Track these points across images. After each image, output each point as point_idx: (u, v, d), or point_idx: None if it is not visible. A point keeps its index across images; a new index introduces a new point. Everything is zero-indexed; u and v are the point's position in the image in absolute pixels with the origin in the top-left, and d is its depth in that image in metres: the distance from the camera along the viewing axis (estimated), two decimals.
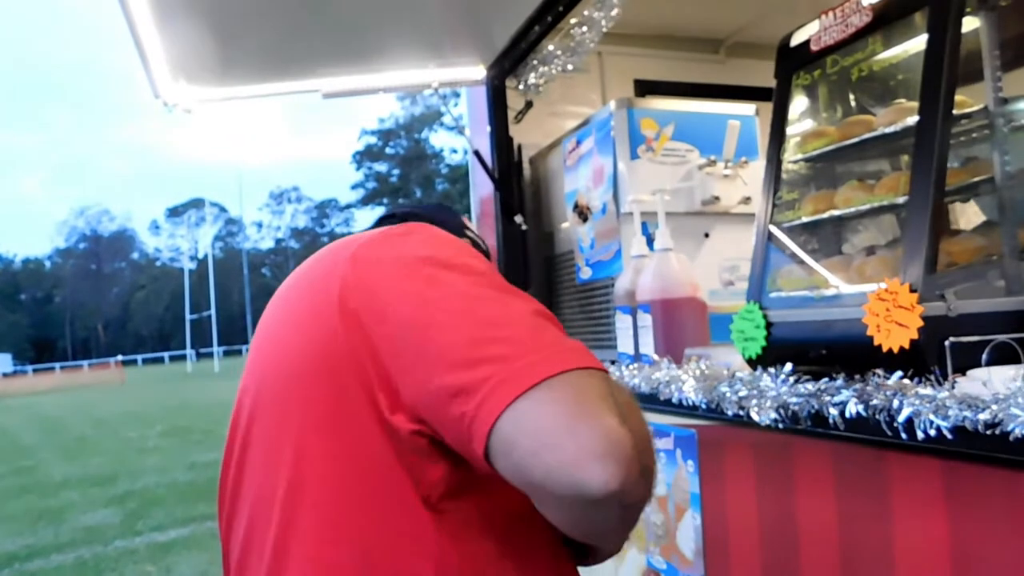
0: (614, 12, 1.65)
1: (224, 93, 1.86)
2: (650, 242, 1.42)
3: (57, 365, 38.48)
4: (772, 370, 0.90)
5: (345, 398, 0.50)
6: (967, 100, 0.78)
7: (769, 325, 0.97)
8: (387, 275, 0.52)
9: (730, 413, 0.95)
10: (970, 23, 0.76)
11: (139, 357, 43.73)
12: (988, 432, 0.62)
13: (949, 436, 0.66)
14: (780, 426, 0.88)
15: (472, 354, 0.46)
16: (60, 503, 5.35)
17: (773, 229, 1.02)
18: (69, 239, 58.34)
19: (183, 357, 37.69)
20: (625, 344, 1.41)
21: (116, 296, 55.71)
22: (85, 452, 7.91)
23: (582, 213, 1.76)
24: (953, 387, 0.68)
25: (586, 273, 1.74)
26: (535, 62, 1.93)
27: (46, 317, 53.89)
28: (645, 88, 2.24)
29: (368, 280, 0.53)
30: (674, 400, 1.09)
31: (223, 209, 58.78)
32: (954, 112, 0.75)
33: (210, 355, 35.56)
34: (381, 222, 0.74)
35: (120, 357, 34.88)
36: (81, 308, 54.48)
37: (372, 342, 0.50)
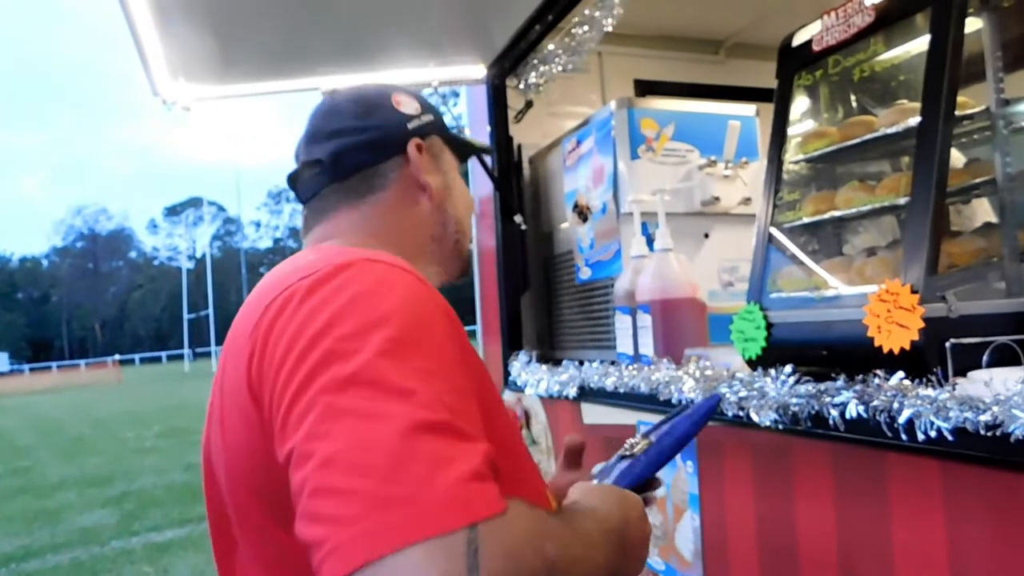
0: (615, 12, 1.65)
1: (223, 91, 1.86)
2: (650, 242, 1.42)
3: (54, 364, 38.09)
4: (772, 371, 0.90)
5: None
6: (969, 101, 0.78)
7: (769, 326, 0.97)
8: (279, 362, 0.46)
9: (730, 414, 0.95)
10: (972, 24, 0.76)
11: (136, 357, 43.47)
12: (988, 434, 0.62)
13: (950, 437, 0.65)
14: (780, 427, 0.88)
15: (310, 506, 0.39)
16: (56, 504, 5.32)
17: (774, 230, 1.02)
18: (67, 238, 58.15)
19: (180, 357, 37.40)
20: (624, 344, 1.41)
21: (113, 295, 55.48)
22: (82, 452, 7.86)
23: (582, 213, 1.76)
24: (954, 388, 0.68)
25: (585, 273, 1.74)
26: (535, 61, 1.92)
27: (43, 316, 53.57)
28: (645, 88, 2.24)
29: (265, 362, 0.48)
30: (674, 401, 1.09)
31: (221, 208, 58.71)
32: (956, 113, 0.75)
33: (208, 355, 35.37)
34: (304, 169, 0.67)
35: (117, 357, 34.36)
36: (78, 307, 54.21)
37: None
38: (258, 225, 61.10)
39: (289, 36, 1.72)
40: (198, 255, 55.71)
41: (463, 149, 0.75)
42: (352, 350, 0.44)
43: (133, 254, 60.25)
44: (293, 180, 0.69)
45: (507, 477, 0.43)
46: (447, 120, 0.75)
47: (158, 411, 11.98)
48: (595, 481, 0.66)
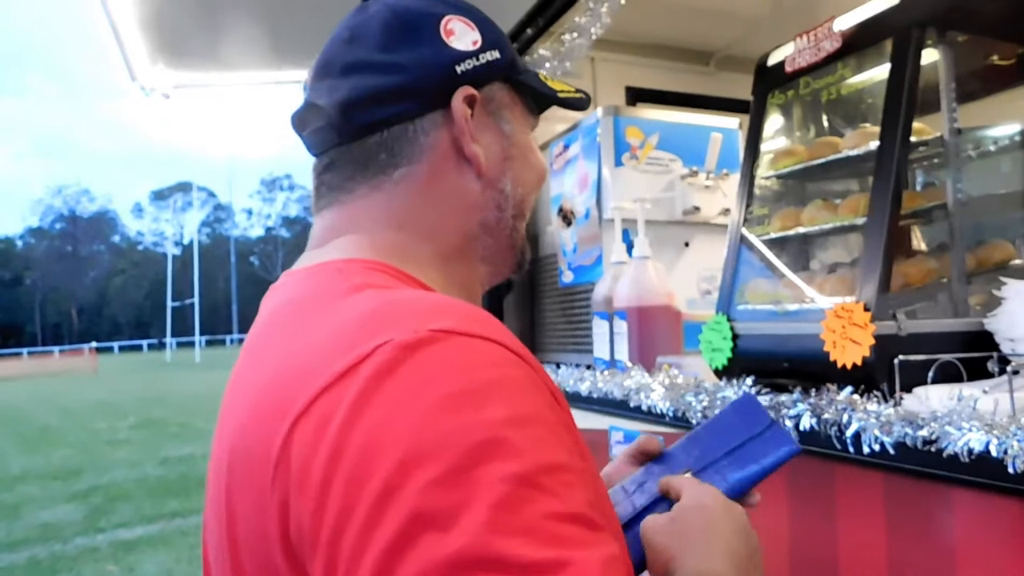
0: (604, 20, 1.67)
1: (204, 79, 1.82)
2: (630, 249, 1.45)
3: (24, 351, 36.25)
4: (734, 381, 0.93)
5: None
6: (926, 128, 0.81)
7: (736, 337, 1.00)
8: (335, 526, 0.30)
9: (695, 422, 0.98)
10: (930, 56, 0.79)
11: (115, 344, 42.01)
12: (926, 448, 0.65)
13: (891, 451, 0.69)
14: None
15: None
16: (16, 498, 4.99)
17: (744, 243, 1.05)
18: (44, 219, 56.64)
19: (162, 346, 36.54)
20: (601, 349, 1.43)
21: (92, 280, 53.90)
22: (48, 443, 7.46)
23: (566, 217, 1.79)
24: (899, 404, 0.71)
25: (568, 277, 1.77)
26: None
27: (14, 300, 51.43)
28: (636, 96, 2.27)
29: (306, 518, 0.31)
30: (643, 407, 1.12)
31: (212, 194, 57.98)
32: (912, 139, 0.78)
33: (191, 344, 34.76)
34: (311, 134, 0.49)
35: (94, 344, 32.62)
36: (53, 292, 52.43)
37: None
38: (250, 213, 60.51)
39: (277, 24, 1.69)
40: (185, 241, 54.96)
41: (543, 99, 0.52)
42: (453, 506, 0.28)
43: (116, 238, 58.50)
44: (298, 122, 0.50)
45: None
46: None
47: (134, 401, 11.55)
48: (625, 494, 0.51)
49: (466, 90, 0.47)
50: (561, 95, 0.53)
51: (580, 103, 0.55)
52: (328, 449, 0.31)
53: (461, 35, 0.48)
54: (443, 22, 0.47)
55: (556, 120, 2.16)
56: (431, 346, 0.33)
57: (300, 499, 0.31)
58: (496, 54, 0.49)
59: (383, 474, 0.29)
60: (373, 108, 0.46)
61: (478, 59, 0.48)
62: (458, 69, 0.47)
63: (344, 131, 0.47)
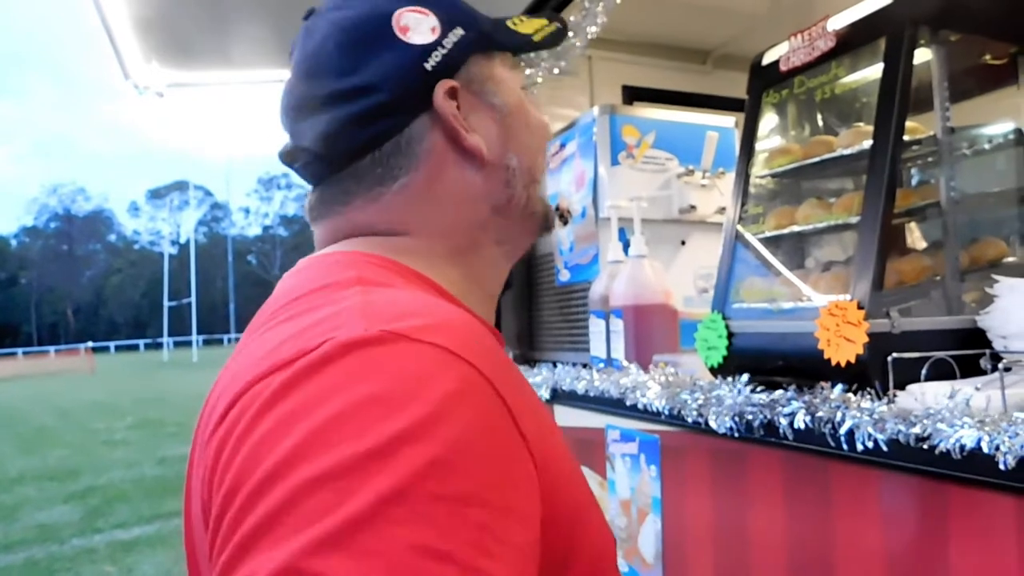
0: (600, 20, 1.68)
1: (199, 78, 1.82)
2: (626, 248, 1.45)
3: (20, 351, 35.92)
4: (730, 380, 0.93)
5: None
6: (919, 127, 0.82)
7: (731, 335, 1.00)
8: (220, 505, 0.30)
9: (690, 420, 0.98)
10: (923, 55, 0.79)
11: (112, 344, 41.89)
12: (919, 445, 0.65)
13: (885, 448, 0.69)
14: (736, 434, 0.91)
15: None
16: (13, 499, 4.95)
17: (739, 241, 1.06)
18: (39, 218, 56.37)
19: (159, 345, 36.24)
20: (598, 348, 1.44)
21: (89, 280, 53.75)
22: (45, 444, 7.41)
23: (563, 216, 1.79)
24: (892, 401, 0.72)
25: (565, 276, 1.77)
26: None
27: (9, 300, 51.22)
28: (633, 94, 2.27)
29: (212, 493, 0.31)
30: (639, 406, 1.12)
31: (208, 193, 57.82)
32: (905, 138, 0.79)
33: (188, 344, 34.61)
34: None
35: (91, 344, 32.49)
36: (49, 291, 52.25)
37: None
38: (247, 212, 60.38)
39: (270, 22, 1.68)
40: (182, 240, 54.77)
41: (522, 49, 0.49)
42: (313, 510, 0.26)
43: (112, 237, 58.37)
44: (287, 158, 0.49)
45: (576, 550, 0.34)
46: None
47: (132, 402, 11.48)
48: None
49: (445, 84, 0.44)
50: (537, 38, 0.49)
51: (558, 36, 0.51)
52: (238, 433, 0.31)
53: (417, 27, 0.45)
54: (394, 21, 0.44)
55: (553, 119, 2.17)
56: (374, 347, 0.31)
57: (211, 477, 0.31)
58: (459, 31, 0.46)
59: (268, 464, 0.28)
60: (356, 135, 0.44)
61: (443, 46, 0.45)
62: (427, 66, 0.44)
63: (334, 164, 0.46)
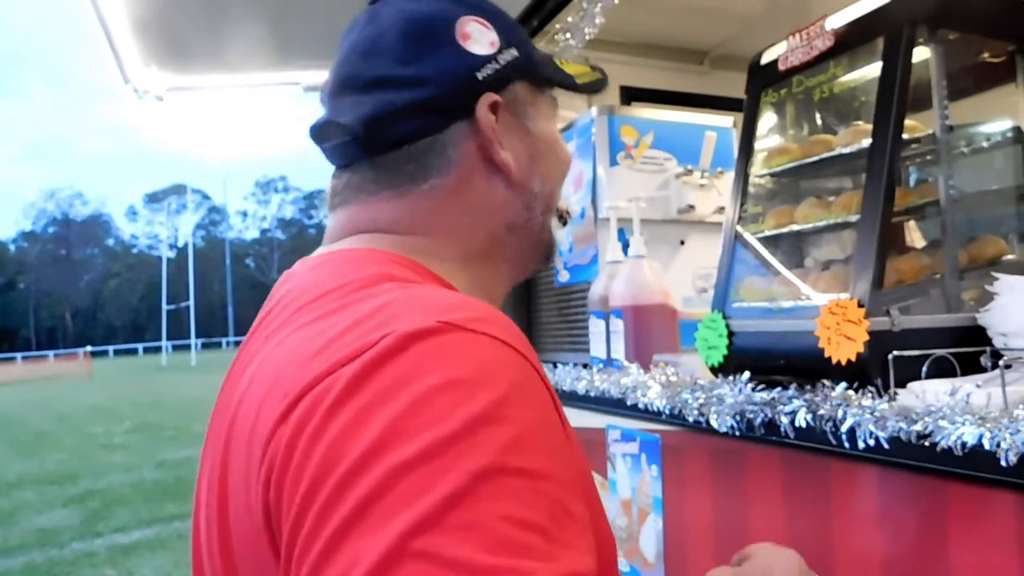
0: (597, 21, 1.68)
1: (198, 81, 1.83)
2: (625, 248, 1.46)
3: (19, 355, 35.78)
4: (730, 378, 0.93)
5: None
6: (918, 126, 0.82)
7: (731, 334, 1.00)
8: (303, 498, 0.30)
9: (691, 419, 0.98)
10: (921, 54, 0.79)
11: (110, 348, 41.77)
12: (920, 443, 0.66)
13: (886, 446, 0.69)
14: (737, 433, 0.91)
15: None
16: (12, 503, 4.98)
17: (738, 241, 1.06)
18: (37, 222, 56.46)
19: (158, 349, 36.25)
20: (598, 348, 1.44)
21: (87, 284, 53.80)
22: (44, 448, 7.44)
23: (562, 217, 1.79)
24: (893, 399, 0.72)
25: (564, 276, 1.77)
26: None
27: (8, 304, 51.21)
28: (631, 95, 2.28)
29: (285, 495, 0.32)
30: (640, 405, 1.12)
31: (206, 196, 57.88)
32: (904, 137, 0.79)
33: (187, 347, 34.51)
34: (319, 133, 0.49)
35: (89, 348, 32.45)
36: (47, 296, 52.30)
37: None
38: (245, 215, 60.41)
39: (270, 26, 1.69)
40: (180, 244, 54.81)
41: (565, 86, 0.52)
42: (408, 493, 0.27)
43: (110, 241, 58.55)
44: (318, 134, 0.49)
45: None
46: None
47: (130, 406, 11.48)
48: None
49: (489, 97, 0.47)
50: (580, 80, 0.52)
51: (599, 85, 0.55)
52: (313, 429, 0.31)
53: (478, 37, 0.47)
54: (458, 25, 0.47)
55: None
56: (436, 336, 0.33)
57: (281, 476, 0.32)
58: (514, 52, 0.48)
59: (353, 455, 0.29)
60: (398, 124, 0.46)
61: (498, 62, 0.47)
62: (479, 76, 0.46)
63: (369, 147, 0.47)
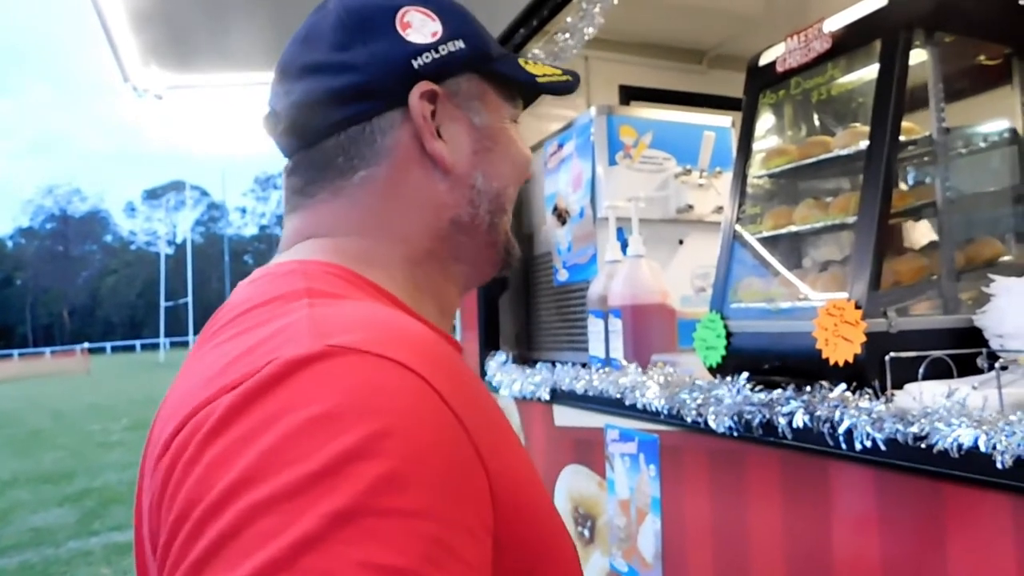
0: (597, 21, 1.68)
1: (198, 80, 1.83)
2: (624, 247, 1.46)
3: (15, 352, 35.56)
4: (729, 379, 0.94)
5: None
6: (915, 127, 0.82)
7: (729, 335, 1.00)
8: (170, 530, 0.30)
9: (689, 420, 0.98)
10: (918, 56, 0.80)
11: (108, 345, 41.42)
12: (917, 444, 0.66)
13: (882, 447, 0.69)
14: (735, 434, 0.92)
15: None
16: (7, 502, 4.94)
17: (737, 241, 1.06)
18: (35, 219, 56.40)
19: (156, 346, 36.03)
20: (596, 348, 1.44)
21: (85, 280, 53.63)
22: (40, 447, 7.38)
23: (561, 216, 1.79)
24: (890, 400, 0.72)
25: (563, 275, 1.77)
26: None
27: (5, 301, 51.12)
28: (629, 94, 2.28)
29: (161, 518, 0.31)
30: (638, 405, 1.13)
31: (205, 193, 57.81)
32: (901, 138, 0.79)
33: (185, 344, 34.33)
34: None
35: (86, 345, 32.51)
36: (45, 292, 52.10)
37: None
38: (243, 211, 60.29)
39: (269, 25, 1.68)
40: (178, 240, 54.73)
41: (522, 87, 0.50)
42: (261, 533, 0.26)
43: (108, 238, 58.57)
44: (266, 125, 0.49)
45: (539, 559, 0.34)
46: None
47: (128, 403, 11.37)
48: None
49: (424, 85, 0.45)
50: (541, 80, 0.50)
51: (564, 86, 0.52)
52: (187, 458, 0.30)
53: (419, 27, 0.46)
54: (399, 15, 0.45)
55: (550, 119, 2.17)
56: (321, 363, 0.31)
57: (159, 502, 0.31)
58: (460, 44, 0.46)
59: (216, 490, 0.28)
60: (328, 110, 0.44)
61: (438, 51, 0.45)
62: (415, 64, 0.45)
63: (302, 135, 0.46)
